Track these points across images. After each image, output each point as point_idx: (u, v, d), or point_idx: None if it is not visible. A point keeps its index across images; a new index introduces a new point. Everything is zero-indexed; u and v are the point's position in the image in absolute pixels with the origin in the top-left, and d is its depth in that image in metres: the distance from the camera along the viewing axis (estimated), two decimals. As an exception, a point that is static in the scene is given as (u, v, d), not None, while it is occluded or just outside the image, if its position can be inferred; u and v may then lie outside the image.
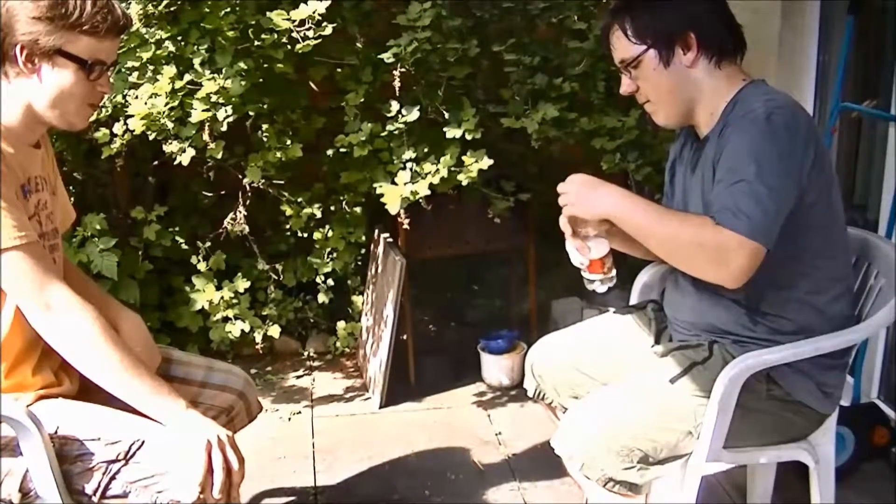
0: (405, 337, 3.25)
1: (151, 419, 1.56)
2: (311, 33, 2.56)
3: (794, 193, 1.61)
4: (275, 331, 3.16)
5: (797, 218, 1.63)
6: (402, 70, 2.69)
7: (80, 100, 1.58)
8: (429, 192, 2.72)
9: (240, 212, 2.96)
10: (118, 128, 2.73)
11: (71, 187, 3.15)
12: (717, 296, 1.74)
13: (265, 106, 2.83)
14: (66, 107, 1.57)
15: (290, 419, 3.03)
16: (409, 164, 2.77)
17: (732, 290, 1.61)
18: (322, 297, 3.28)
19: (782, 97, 1.69)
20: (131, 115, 2.64)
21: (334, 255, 3.15)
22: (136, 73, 2.70)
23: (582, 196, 1.74)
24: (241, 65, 2.61)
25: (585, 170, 1.84)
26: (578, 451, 1.73)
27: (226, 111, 2.63)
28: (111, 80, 2.63)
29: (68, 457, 1.54)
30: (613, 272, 1.84)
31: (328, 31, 2.56)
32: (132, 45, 2.65)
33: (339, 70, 2.91)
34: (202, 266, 3.09)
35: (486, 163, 2.71)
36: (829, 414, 1.83)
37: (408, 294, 3.16)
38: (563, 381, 2.02)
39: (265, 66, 2.76)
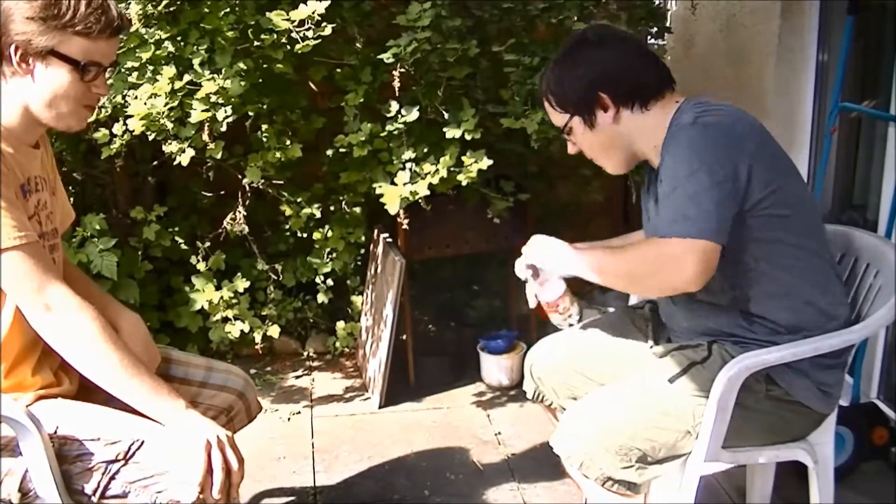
0: (404, 337, 3.25)
1: (151, 419, 1.56)
2: (310, 33, 2.55)
3: (733, 186, 1.61)
4: (274, 331, 3.16)
5: (751, 215, 1.64)
6: (402, 70, 2.69)
7: (75, 101, 1.57)
8: (428, 193, 2.72)
9: (239, 212, 2.96)
10: (118, 128, 2.73)
11: (70, 187, 3.15)
12: (709, 302, 1.74)
13: (265, 106, 2.83)
14: (61, 108, 1.57)
15: (289, 419, 3.04)
16: (408, 165, 2.77)
17: (720, 295, 1.61)
18: (321, 297, 3.28)
19: (717, 105, 1.71)
20: (131, 116, 2.64)
21: (334, 255, 3.15)
22: (135, 74, 2.70)
23: (543, 259, 1.85)
24: (241, 65, 2.61)
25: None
26: (577, 450, 1.73)
27: (225, 111, 2.63)
28: (110, 81, 2.62)
29: (68, 457, 1.54)
30: (572, 311, 1.92)
31: (327, 31, 2.56)
32: (131, 46, 2.65)
33: (338, 70, 2.91)
34: (202, 266, 3.09)
35: (485, 163, 2.71)
36: (828, 414, 1.83)
37: (407, 294, 3.16)
38: (562, 383, 2.02)
39: (264, 66, 2.76)
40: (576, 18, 2.95)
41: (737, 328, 1.77)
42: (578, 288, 1.91)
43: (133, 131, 2.67)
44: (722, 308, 1.75)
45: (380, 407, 3.09)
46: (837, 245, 2.00)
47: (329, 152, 2.92)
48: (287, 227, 3.13)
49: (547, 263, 1.86)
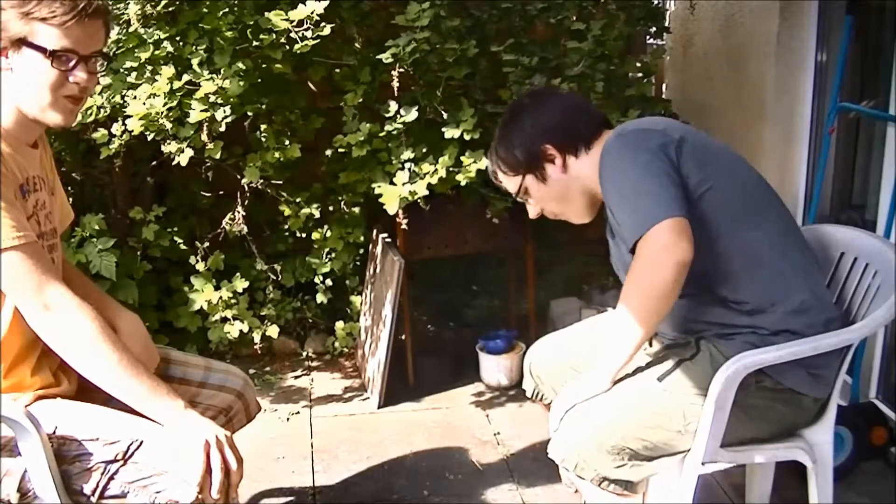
0: (403, 337, 3.25)
1: (150, 419, 1.56)
2: (309, 33, 2.56)
3: (669, 167, 1.67)
4: (273, 331, 3.16)
5: (695, 196, 1.69)
6: (401, 70, 2.69)
7: (52, 91, 1.53)
8: (427, 193, 2.72)
9: (238, 212, 2.96)
10: (116, 128, 2.73)
11: (69, 187, 3.15)
12: (682, 294, 1.74)
13: (263, 106, 2.83)
14: (41, 99, 1.53)
15: (288, 419, 3.04)
16: (407, 165, 2.77)
17: (690, 284, 1.62)
18: (320, 298, 3.28)
19: (637, 119, 1.81)
20: (130, 116, 2.64)
21: (333, 255, 3.16)
22: (134, 74, 2.70)
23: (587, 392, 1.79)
24: (240, 65, 2.61)
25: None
26: (571, 452, 1.74)
27: (224, 111, 2.63)
28: (107, 79, 2.61)
29: (67, 457, 1.54)
30: None
31: (326, 31, 2.56)
32: (130, 46, 2.65)
33: (337, 70, 2.91)
34: (201, 266, 3.09)
35: (484, 163, 2.71)
36: (821, 398, 1.83)
37: (406, 294, 3.16)
38: (561, 382, 2.02)
39: (263, 66, 2.76)
40: (574, 18, 2.96)
41: (715, 316, 1.78)
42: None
43: (132, 131, 2.67)
44: (695, 297, 1.75)
45: (379, 407, 3.09)
46: (836, 244, 2.01)
47: (328, 152, 2.92)
48: (286, 227, 3.13)
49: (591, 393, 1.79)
